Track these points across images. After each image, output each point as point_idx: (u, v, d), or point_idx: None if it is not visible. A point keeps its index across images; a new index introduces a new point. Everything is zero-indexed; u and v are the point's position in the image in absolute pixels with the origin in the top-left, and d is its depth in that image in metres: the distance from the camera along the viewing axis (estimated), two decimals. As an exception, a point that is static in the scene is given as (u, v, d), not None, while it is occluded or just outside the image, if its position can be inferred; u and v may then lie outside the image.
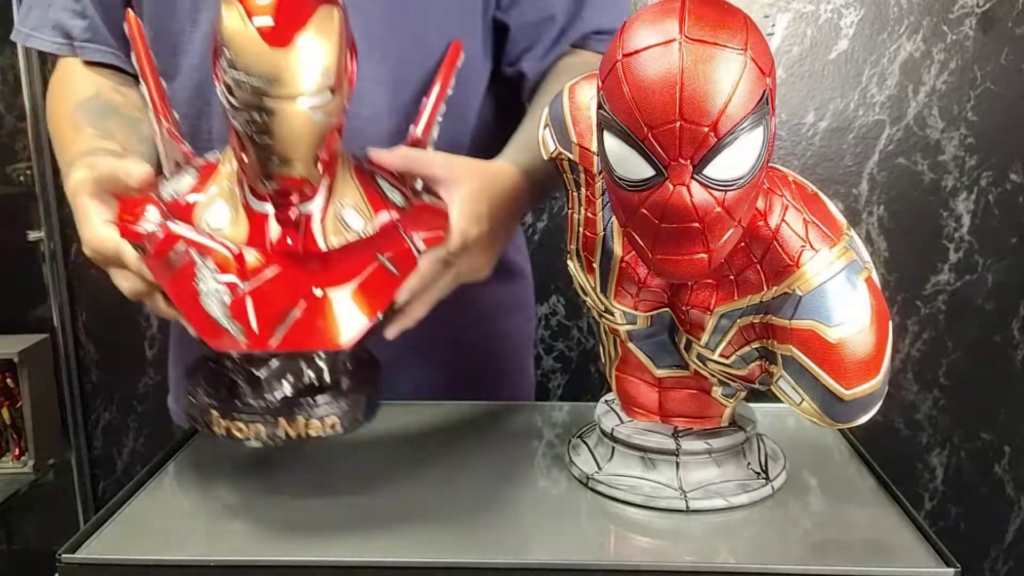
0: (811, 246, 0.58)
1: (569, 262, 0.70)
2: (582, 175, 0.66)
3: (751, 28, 0.52)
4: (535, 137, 0.71)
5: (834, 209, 0.61)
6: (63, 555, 0.61)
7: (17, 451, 1.59)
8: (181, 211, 0.65)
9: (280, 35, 0.55)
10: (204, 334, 0.61)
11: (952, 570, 0.58)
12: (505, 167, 0.78)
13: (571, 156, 0.66)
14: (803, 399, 0.60)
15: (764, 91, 0.51)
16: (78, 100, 0.84)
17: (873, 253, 1.45)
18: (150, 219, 0.64)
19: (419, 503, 0.68)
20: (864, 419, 0.60)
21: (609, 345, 0.72)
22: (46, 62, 1.59)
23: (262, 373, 0.64)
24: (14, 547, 1.78)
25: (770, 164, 0.58)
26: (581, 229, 0.67)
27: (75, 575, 0.61)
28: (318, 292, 0.62)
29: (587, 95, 0.65)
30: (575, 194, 0.68)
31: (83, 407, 1.74)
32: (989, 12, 1.46)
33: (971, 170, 1.52)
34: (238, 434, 0.63)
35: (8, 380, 1.57)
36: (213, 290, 0.61)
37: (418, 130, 0.80)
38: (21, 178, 1.64)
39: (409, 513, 0.67)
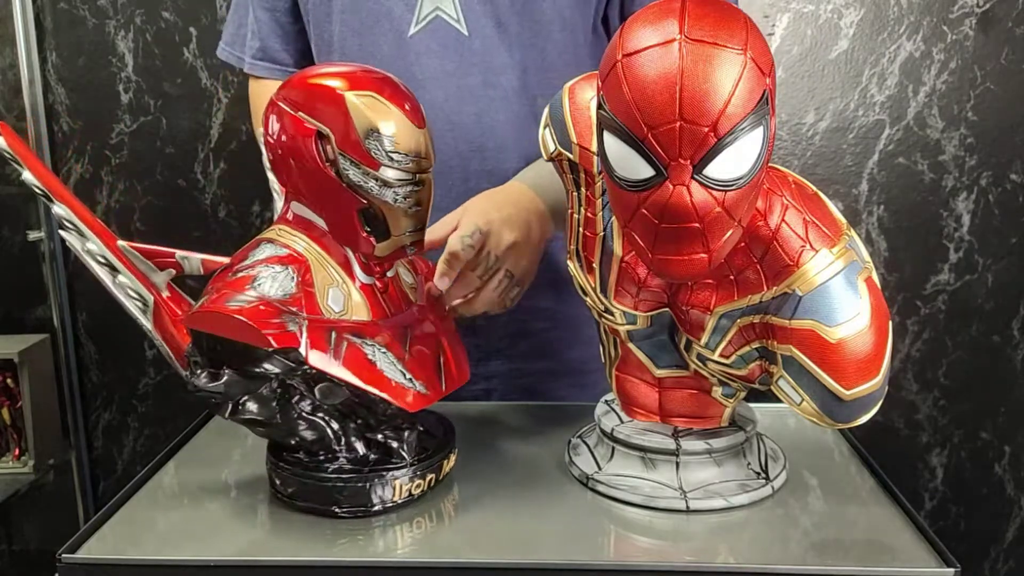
0: (811, 246, 0.58)
1: (569, 262, 0.70)
2: (582, 175, 0.66)
3: (751, 28, 0.52)
4: (544, 167, 0.75)
5: (834, 209, 0.61)
6: (63, 555, 0.61)
7: (17, 451, 1.59)
8: (300, 306, 0.63)
9: (420, 116, 0.65)
10: (397, 399, 0.64)
11: (952, 570, 0.58)
12: (508, 184, 0.85)
13: (571, 156, 0.66)
14: (803, 399, 0.59)
15: (764, 91, 0.51)
16: None
17: (873, 253, 1.45)
18: (288, 323, 0.61)
19: (419, 503, 0.68)
20: (864, 419, 0.60)
21: (609, 345, 0.72)
22: (46, 61, 1.59)
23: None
24: (14, 547, 1.78)
25: (770, 164, 0.58)
26: (581, 229, 0.67)
27: (75, 575, 0.61)
28: (441, 340, 0.70)
29: (587, 95, 0.65)
30: (575, 194, 0.68)
31: (83, 407, 1.73)
32: (989, 12, 1.46)
33: (971, 170, 1.52)
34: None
35: (8, 380, 1.57)
36: (382, 359, 0.64)
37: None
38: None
39: (408, 513, 0.67)
